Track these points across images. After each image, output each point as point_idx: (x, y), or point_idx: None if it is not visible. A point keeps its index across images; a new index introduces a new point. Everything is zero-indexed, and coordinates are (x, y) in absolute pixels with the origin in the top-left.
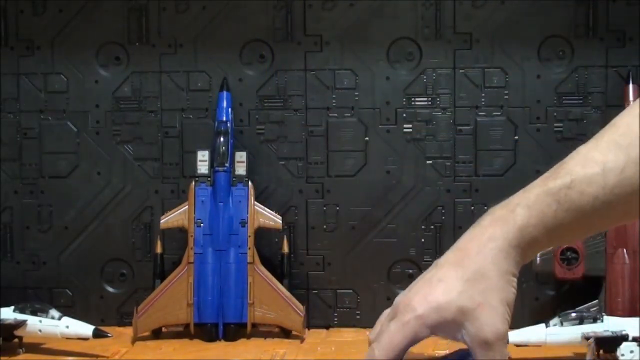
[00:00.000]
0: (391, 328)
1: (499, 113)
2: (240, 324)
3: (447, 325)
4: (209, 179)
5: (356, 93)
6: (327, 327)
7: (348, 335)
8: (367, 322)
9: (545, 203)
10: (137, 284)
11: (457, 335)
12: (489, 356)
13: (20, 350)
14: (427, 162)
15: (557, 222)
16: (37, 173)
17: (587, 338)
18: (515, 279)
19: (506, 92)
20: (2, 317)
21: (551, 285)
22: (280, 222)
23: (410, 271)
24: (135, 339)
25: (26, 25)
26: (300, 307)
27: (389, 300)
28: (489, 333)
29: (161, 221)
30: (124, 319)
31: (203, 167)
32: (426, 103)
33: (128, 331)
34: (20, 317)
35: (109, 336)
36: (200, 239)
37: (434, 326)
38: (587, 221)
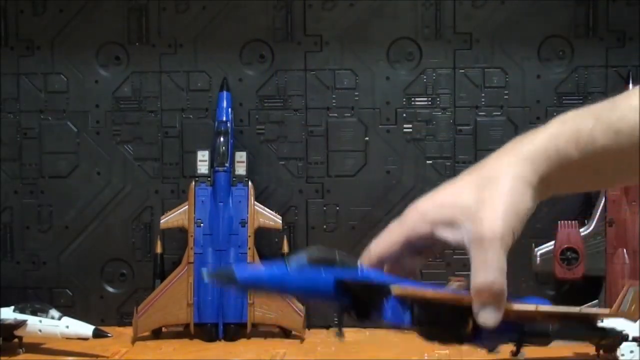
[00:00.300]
0: (391, 225)
1: (499, 113)
2: (240, 324)
3: (447, 222)
4: (209, 179)
5: (356, 93)
6: (327, 327)
7: (348, 335)
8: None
9: (582, 117)
10: (137, 284)
11: (456, 235)
12: (481, 255)
13: (20, 350)
14: (427, 162)
15: (590, 141)
16: (37, 173)
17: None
18: (530, 189)
19: (506, 92)
20: (2, 317)
21: (551, 285)
22: (280, 222)
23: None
24: (135, 339)
25: (26, 25)
26: (300, 307)
27: None
28: (486, 230)
29: (161, 221)
30: (124, 319)
31: (203, 167)
32: (426, 103)
33: (128, 331)
34: (20, 317)
35: (109, 336)
36: (200, 239)
37: (434, 222)
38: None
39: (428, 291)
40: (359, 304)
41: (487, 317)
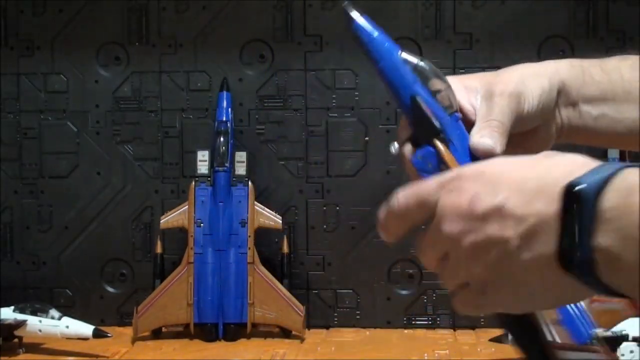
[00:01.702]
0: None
1: None
2: (240, 324)
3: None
4: (209, 179)
5: (356, 93)
6: (327, 327)
7: (348, 335)
8: (367, 322)
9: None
10: (137, 284)
11: (472, 98)
12: (487, 104)
13: (20, 350)
14: None
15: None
16: (37, 173)
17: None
18: (547, 80)
19: None
20: (2, 317)
21: None
22: (280, 222)
23: (410, 271)
24: (135, 339)
25: (26, 25)
26: (300, 307)
27: (389, 300)
28: (496, 89)
29: (161, 221)
30: (124, 319)
31: (203, 167)
32: None
33: (128, 331)
34: (20, 317)
35: (109, 336)
36: (200, 239)
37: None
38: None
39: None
40: (415, 128)
41: (483, 141)
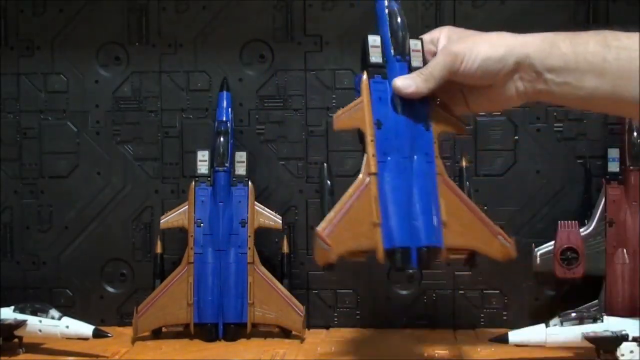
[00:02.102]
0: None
1: (499, 113)
2: (240, 324)
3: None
4: (209, 179)
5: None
6: (327, 327)
7: (348, 335)
8: (367, 322)
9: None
10: (137, 284)
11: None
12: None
13: (20, 350)
14: None
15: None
16: (37, 173)
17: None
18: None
19: None
20: (2, 317)
21: (551, 285)
22: (280, 222)
23: (410, 271)
24: (135, 339)
25: (26, 25)
26: (300, 307)
27: (389, 300)
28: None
29: (161, 221)
30: (124, 319)
31: (203, 167)
32: None
33: (128, 331)
34: (20, 317)
35: (109, 336)
36: (200, 239)
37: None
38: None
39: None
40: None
41: (399, 81)
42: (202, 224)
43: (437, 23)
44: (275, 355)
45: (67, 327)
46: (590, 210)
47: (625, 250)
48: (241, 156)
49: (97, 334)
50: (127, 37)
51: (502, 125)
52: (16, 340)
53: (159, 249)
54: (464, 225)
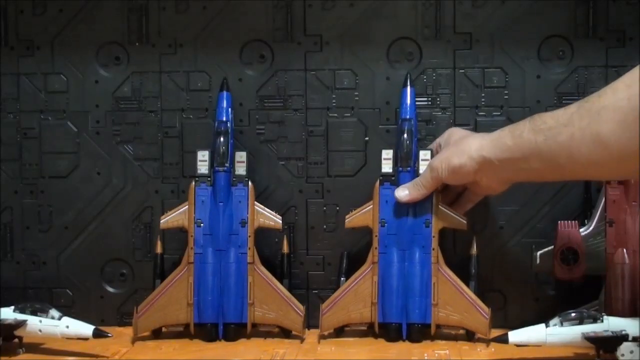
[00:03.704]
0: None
1: (499, 113)
2: (240, 324)
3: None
4: (209, 179)
5: (356, 93)
6: None
7: (347, 335)
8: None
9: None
10: (137, 284)
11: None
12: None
13: (20, 350)
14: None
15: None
16: (37, 173)
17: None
18: (468, 158)
19: (506, 92)
20: (2, 317)
21: (551, 285)
22: (280, 222)
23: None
24: (135, 339)
25: (26, 25)
26: (300, 307)
27: None
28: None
29: (161, 221)
30: (124, 319)
31: (203, 167)
32: (426, 103)
33: (128, 331)
34: (20, 317)
35: (109, 336)
36: (200, 239)
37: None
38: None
39: None
40: None
41: (397, 192)
42: (202, 224)
43: (437, 23)
44: (275, 355)
45: (67, 327)
46: (590, 210)
47: (625, 250)
48: (241, 156)
49: (97, 334)
50: (127, 37)
51: (503, 125)
52: (16, 340)
53: (159, 249)
54: (453, 305)
